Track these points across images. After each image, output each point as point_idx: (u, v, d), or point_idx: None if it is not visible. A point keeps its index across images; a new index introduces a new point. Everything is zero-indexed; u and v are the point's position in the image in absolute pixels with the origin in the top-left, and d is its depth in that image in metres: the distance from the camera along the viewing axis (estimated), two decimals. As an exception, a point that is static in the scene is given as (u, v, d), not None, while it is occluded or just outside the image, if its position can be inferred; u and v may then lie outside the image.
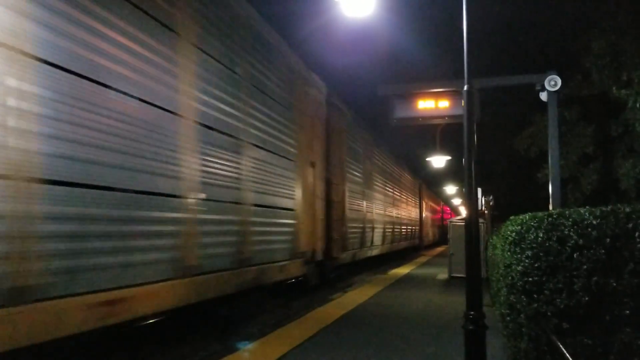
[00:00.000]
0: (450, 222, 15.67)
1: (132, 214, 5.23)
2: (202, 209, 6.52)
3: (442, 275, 15.30)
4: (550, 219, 4.32)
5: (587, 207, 4.36)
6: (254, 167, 8.14)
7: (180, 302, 6.01)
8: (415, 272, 17.09)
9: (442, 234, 37.66)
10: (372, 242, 17.50)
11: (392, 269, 18.09)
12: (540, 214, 4.54)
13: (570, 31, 15.90)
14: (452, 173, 31.20)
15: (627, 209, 4.09)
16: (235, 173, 7.54)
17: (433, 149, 20.20)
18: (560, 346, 3.69)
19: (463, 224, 5.23)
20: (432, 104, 9.22)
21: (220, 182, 7.05)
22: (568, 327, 4.03)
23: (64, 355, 4.86)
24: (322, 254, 11.64)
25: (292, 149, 9.91)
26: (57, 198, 4.32)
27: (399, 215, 24.05)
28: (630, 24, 13.44)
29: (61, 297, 4.29)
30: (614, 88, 12.52)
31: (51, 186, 4.25)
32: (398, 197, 24.08)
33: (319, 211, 11.61)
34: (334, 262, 12.48)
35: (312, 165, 11.20)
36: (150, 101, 5.62)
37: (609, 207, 4.19)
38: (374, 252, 18.09)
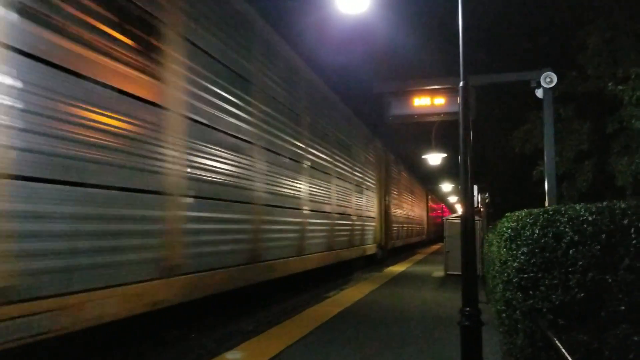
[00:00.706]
0: (446, 219, 15.40)
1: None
2: (356, 220, 15.32)
3: (438, 272, 15.33)
4: (545, 215, 4.31)
5: (582, 203, 4.36)
6: (365, 198, 16.80)
7: (350, 256, 14.34)
8: (411, 269, 17.12)
9: (442, 230, 38.41)
10: (402, 236, 25.64)
11: (388, 266, 18.12)
12: (535, 210, 4.54)
13: (566, 28, 15.92)
14: (449, 172, 31.28)
15: (623, 205, 4.08)
16: (359, 201, 15.80)
17: (429, 146, 20.24)
18: (556, 342, 3.68)
19: (459, 221, 5.22)
20: (427, 101, 9.22)
21: (359, 208, 15.75)
22: (564, 323, 4.02)
23: (63, 355, 4.83)
24: (383, 242, 19.65)
25: (373, 186, 18.48)
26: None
27: (414, 217, 31.88)
28: (625, 20, 13.46)
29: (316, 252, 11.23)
30: (609, 84, 12.52)
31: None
32: (414, 204, 31.84)
33: (382, 217, 19.77)
34: (386, 247, 20.37)
35: (379, 190, 19.43)
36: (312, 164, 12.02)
37: (605, 203, 4.18)
38: (401, 243, 25.37)
